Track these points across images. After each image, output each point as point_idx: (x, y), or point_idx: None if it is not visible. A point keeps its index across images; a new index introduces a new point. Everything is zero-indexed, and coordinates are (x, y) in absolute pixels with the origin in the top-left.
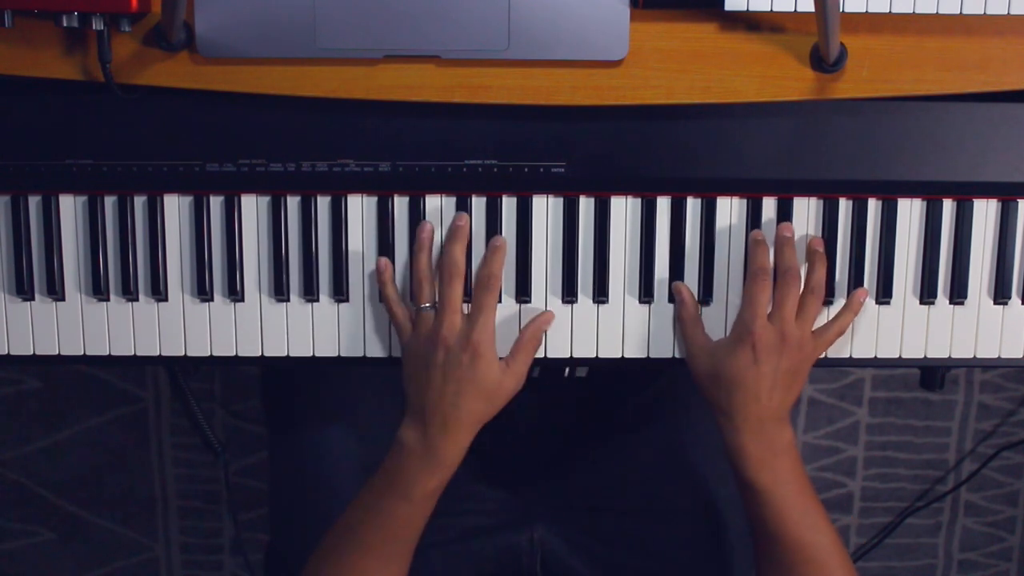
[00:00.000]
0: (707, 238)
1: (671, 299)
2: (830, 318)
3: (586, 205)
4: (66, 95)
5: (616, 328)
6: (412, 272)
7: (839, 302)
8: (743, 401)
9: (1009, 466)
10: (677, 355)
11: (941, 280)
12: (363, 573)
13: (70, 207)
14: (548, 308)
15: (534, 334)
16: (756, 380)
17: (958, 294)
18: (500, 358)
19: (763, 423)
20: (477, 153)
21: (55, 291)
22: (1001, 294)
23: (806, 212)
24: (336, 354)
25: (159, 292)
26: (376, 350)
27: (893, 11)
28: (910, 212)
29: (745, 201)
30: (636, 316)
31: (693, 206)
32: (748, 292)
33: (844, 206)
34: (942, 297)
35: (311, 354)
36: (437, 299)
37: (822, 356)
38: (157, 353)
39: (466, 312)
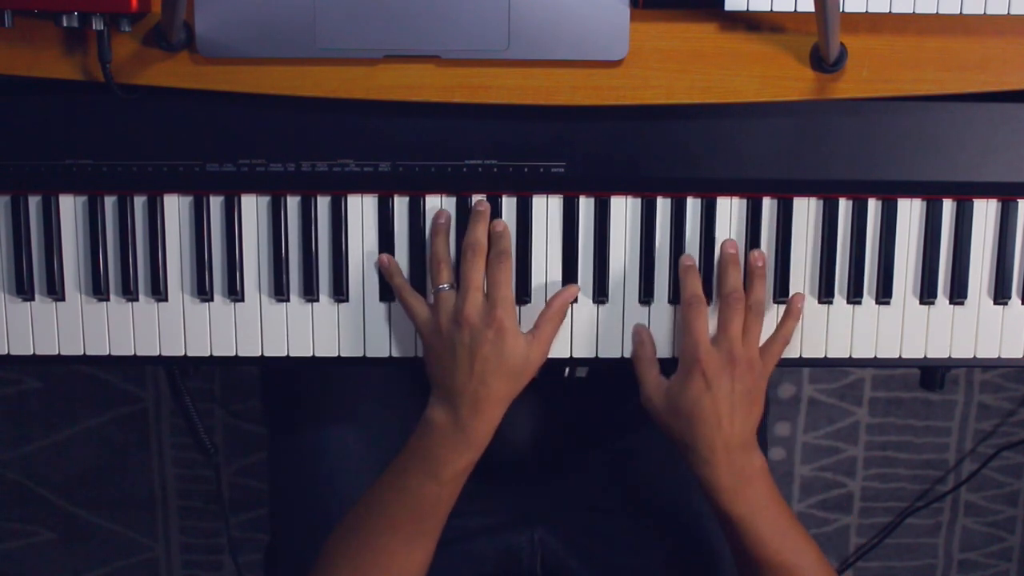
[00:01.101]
0: (707, 238)
1: (671, 299)
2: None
3: (586, 205)
4: (66, 95)
5: (616, 328)
6: (429, 255)
7: (839, 302)
8: (705, 432)
9: (1009, 466)
10: (676, 355)
11: (941, 280)
12: (389, 552)
13: (70, 207)
14: None
15: (560, 306)
16: (713, 406)
17: (958, 294)
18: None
19: (730, 452)
20: (477, 153)
21: (55, 291)
22: (1001, 294)
23: (806, 212)
24: (336, 354)
25: (159, 292)
26: (376, 350)
27: (893, 11)
28: (910, 212)
29: (745, 201)
30: (636, 316)
31: (693, 206)
32: (685, 321)
33: (844, 206)
34: (942, 297)
35: (311, 354)
36: (455, 280)
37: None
38: (157, 353)
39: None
